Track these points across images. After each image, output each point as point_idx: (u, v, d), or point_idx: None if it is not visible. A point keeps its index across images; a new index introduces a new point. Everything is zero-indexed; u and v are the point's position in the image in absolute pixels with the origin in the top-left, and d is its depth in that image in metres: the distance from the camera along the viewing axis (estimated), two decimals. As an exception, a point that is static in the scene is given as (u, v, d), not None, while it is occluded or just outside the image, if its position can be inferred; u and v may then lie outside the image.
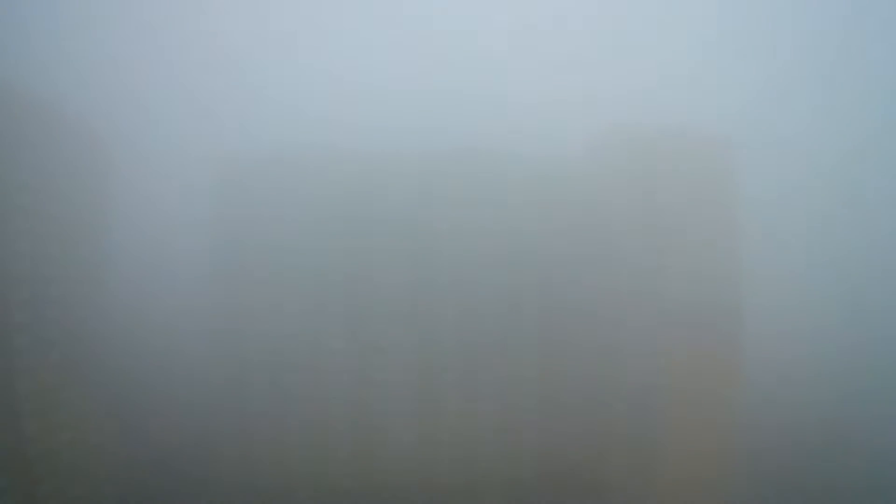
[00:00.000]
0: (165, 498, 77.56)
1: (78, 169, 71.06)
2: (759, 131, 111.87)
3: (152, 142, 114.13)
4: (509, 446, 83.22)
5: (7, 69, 69.51)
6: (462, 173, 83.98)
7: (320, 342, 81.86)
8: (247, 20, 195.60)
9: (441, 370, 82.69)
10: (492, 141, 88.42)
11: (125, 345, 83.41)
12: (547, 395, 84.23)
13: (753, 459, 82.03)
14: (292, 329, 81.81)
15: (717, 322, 73.96)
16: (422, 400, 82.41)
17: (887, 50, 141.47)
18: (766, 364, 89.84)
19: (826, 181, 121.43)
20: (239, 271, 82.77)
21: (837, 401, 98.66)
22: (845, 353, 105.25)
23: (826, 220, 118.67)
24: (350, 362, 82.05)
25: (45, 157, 64.63)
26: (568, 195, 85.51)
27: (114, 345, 77.89)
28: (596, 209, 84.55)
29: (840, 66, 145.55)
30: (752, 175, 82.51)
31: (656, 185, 75.88)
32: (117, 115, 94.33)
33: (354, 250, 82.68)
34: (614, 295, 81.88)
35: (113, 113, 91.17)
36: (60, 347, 66.20)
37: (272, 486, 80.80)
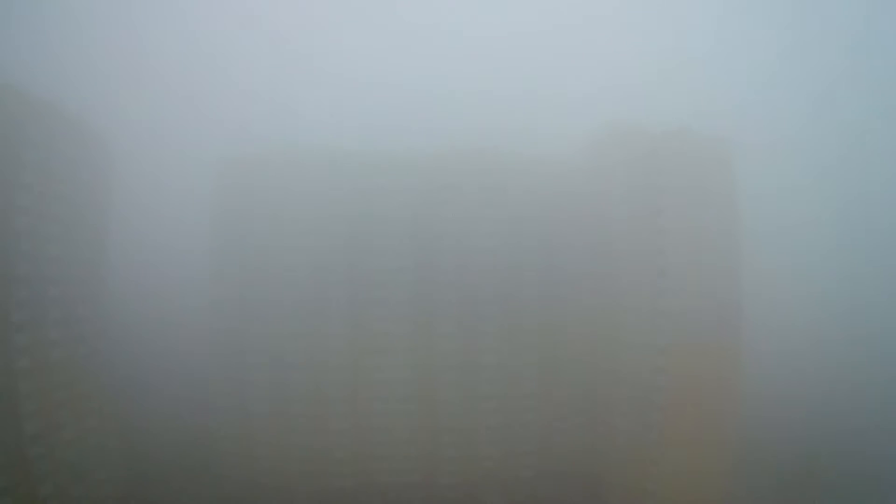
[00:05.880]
0: (165, 498, 77.63)
1: (78, 169, 71.02)
2: (759, 131, 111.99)
3: (152, 142, 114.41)
4: (509, 445, 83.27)
5: (7, 69, 69.61)
6: (462, 172, 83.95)
7: (321, 341, 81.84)
8: (248, 20, 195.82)
9: (441, 370, 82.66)
10: (491, 140, 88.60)
11: (126, 344, 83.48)
12: (547, 394, 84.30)
13: (753, 459, 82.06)
14: (293, 329, 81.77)
15: (718, 321, 73.83)
16: (422, 399, 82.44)
17: (888, 50, 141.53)
18: (766, 364, 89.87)
19: (826, 181, 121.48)
20: (239, 271, 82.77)
21: (837, 401, 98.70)
22: (846, 353, 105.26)
23: (826, 219, 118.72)
24: (350, 362, 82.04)
25: (45, 157, 64.68)
26: (567, 194, 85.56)
27: (114, 344, 77.94)
28: (595, 208, 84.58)
29: (840, 66, 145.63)
30: (752, 174, 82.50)
31: (656, 184, 75.83)
32: (117, 115, 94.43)
33: (355, 250, 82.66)
34: (614, 294, 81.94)
35: (113, 113, 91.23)
36: (60, 347, 66.30)
37: (272, 486, 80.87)
